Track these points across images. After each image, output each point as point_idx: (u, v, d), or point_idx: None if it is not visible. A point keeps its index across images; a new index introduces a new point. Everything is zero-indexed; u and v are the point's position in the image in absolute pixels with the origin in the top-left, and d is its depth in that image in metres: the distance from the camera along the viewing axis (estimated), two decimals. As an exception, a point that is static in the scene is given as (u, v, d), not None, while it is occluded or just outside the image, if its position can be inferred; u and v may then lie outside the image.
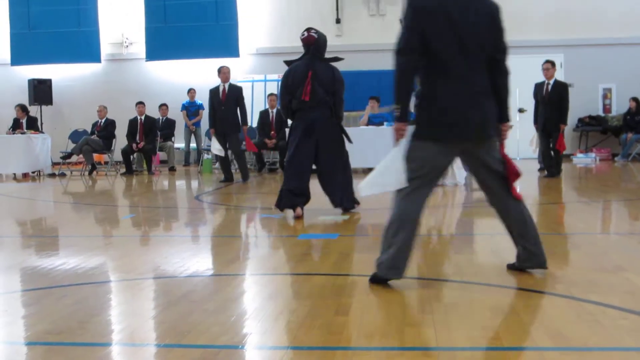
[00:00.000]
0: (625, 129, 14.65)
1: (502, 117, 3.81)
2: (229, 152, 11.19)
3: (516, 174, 3.80)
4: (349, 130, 7.02)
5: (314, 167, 6.79)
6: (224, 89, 11.00)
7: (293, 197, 6.62)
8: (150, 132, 14.02)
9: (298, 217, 6.56)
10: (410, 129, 3.71)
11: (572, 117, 13.57)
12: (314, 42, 6.72)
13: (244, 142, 11.50)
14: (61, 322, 3.23)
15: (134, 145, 13.82)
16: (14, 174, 13.67)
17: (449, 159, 3.80)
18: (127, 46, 16.74)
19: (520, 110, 15.03)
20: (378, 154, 11.97)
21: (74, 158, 14.33)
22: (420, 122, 3.68)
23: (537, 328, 3.05)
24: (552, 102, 10.66)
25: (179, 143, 15.50)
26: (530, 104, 10.64)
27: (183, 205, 9.02)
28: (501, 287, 3.73)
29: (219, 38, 16.09)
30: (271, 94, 13.85)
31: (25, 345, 2.99)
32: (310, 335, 2.96)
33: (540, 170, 11.35)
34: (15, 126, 14.16)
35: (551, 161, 10.78)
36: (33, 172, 13.73)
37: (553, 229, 5.88)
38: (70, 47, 16.50)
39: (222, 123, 10.89)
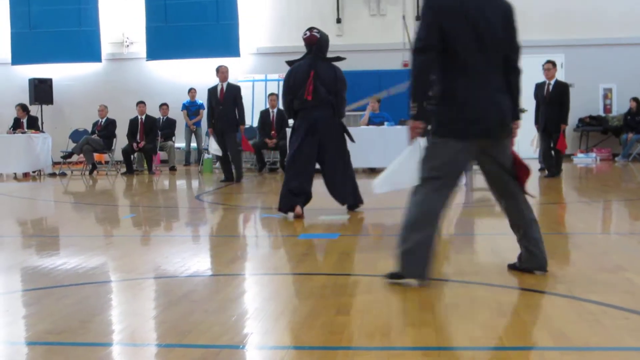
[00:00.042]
0: (626, 129, 14.65)
1: (513, 115, 3.85)
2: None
3: (527, 172, 3.82)
4: (349, 130, 7.01)
5: (317, 167, 6.79)
6: (222, 88, 11.01)
7: (293, 197, 6.61)
8: (151, 131, 14.01)
9: (298, 216, 6.54)
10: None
11: (573, 117, 13.56)
12: (316, 42, 6.71)
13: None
14: (62, 322, 3.23)
15: (135, 145, 13.81)
16: (15, 174, 13.67)
17: (468, 158, 3.79)
18: (127, 46, 16.73)
19: (521, 111, 15.00)
20: (378, 154, 11.98)
21: (75, 157, 14.32)
22: (441, 119, 3.68)
23: (538, 328, 3.05)
24: (553, 102, 10.66)
25: (179, 143, 15.49)
26: (530, 104, 10.63)
27: (184, 205, 9.02)
28: (502, 287, 3.73)
29: (220, 38, 16.08)
30: (272, 94, 13.84)
31: (26, 345, 2.99)
32: (311, 335, 2.96)
33: (541, 170, 11.34)
34: (16, 126, 14.15)
35: (552, 161, 10.79)
36: (34, 172, 13.71)
37: (554, 229, 5.88)
38: (70, 46, 16.49)
39: (220, 122, 10.91)
